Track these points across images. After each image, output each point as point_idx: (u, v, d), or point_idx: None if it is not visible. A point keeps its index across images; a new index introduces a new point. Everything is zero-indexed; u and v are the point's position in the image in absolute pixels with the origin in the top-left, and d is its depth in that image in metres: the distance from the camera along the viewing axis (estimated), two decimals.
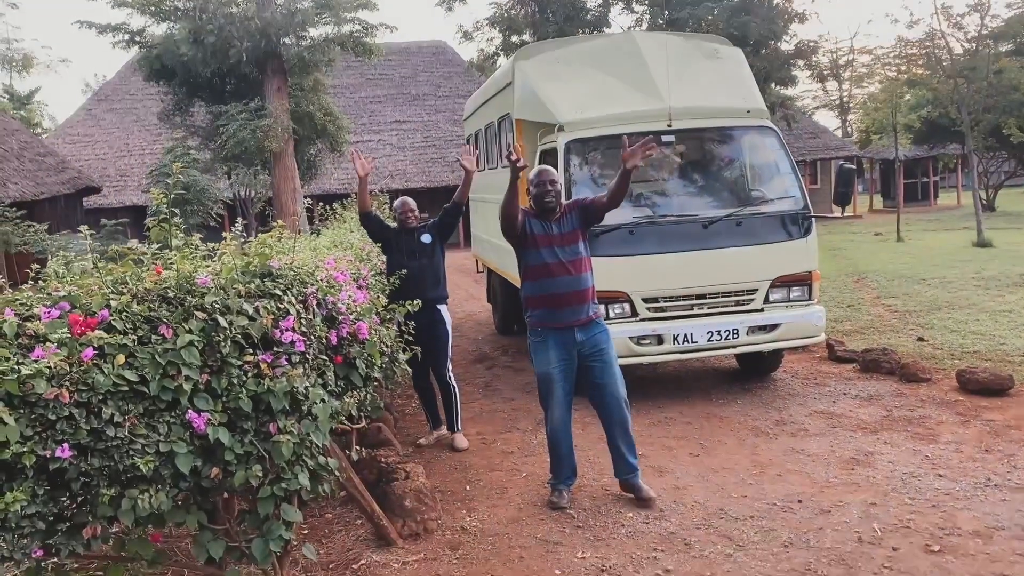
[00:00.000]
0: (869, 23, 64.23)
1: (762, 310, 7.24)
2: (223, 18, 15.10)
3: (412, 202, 6.80)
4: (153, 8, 18.59)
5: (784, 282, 7.25)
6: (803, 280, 7.32)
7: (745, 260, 7.14)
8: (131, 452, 3.12)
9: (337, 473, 4.09)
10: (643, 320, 7.06)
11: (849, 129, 49.08)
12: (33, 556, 3.02)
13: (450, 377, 6.58)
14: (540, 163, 8.17)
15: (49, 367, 2.89)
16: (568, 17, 17.07)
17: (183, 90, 20.32)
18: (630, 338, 6.94)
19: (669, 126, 7.41)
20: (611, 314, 6.98)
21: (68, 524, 3.10)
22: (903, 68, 21.37)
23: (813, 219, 7.42)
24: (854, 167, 7.47)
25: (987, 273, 14.13)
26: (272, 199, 16.93)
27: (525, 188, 5.76)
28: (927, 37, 20.26)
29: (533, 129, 8.44)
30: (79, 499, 3.11)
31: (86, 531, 3.17)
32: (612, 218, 6.92)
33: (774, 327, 7.19)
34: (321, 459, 3.84)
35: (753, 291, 7.21)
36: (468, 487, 5.55)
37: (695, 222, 7.14)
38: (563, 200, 5.43)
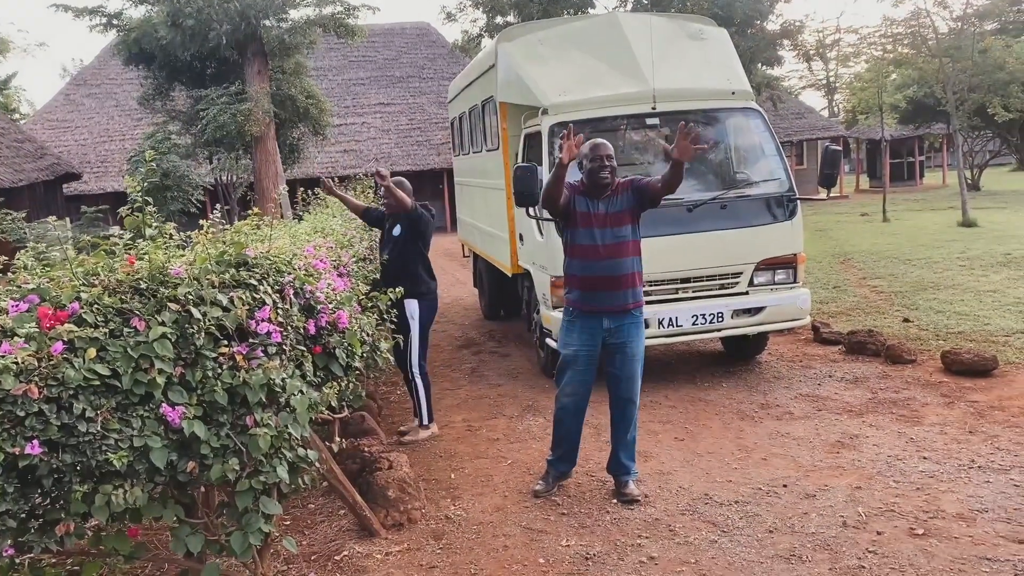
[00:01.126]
0: (855, 1, 64.01)
1: (747, 293, 7.23)
2: (202, 0, 14.90)
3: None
4: None
5: (769, 265, 7.24)
6: (788, 263, 7.31)
7: (729, 243, 7.12)
8: (104, 447, 3.06)
9: (317, 465, 4.05)
10: None
11: (836, 109, 49.10)
12: (4, 554, 2.98)
13: (413, 371, 6.41)
14: (524, 147, 8.13)
15: (16, 362, 2.83)
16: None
17: (163, 74, 20.09)
18: None
19: (653, 108, 7.37)
20: None
21: (40, 521, 3.06)
22: (888, 48, 21.33)
23: (798, 201, 7.39)
24: (840, 149, 7.43)
25: (972, 253, 14.18)
26: (254, 184, 16.80)
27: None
28: (912, 16, 20.22)
29: (518, 112, 8.37)
30: (51, 496, 3.06)
31: (59, 528, 3.12)
32: None
33: (759, 310, 7.18)
34: (300, 451, 3.79)
35: (738, 274, 7.19)
36: (453, 475, 5.53)
37: (679, 205, 7.10)
38: (617, 178, 5.10)
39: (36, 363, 2.90)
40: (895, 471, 5.02)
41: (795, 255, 7.34)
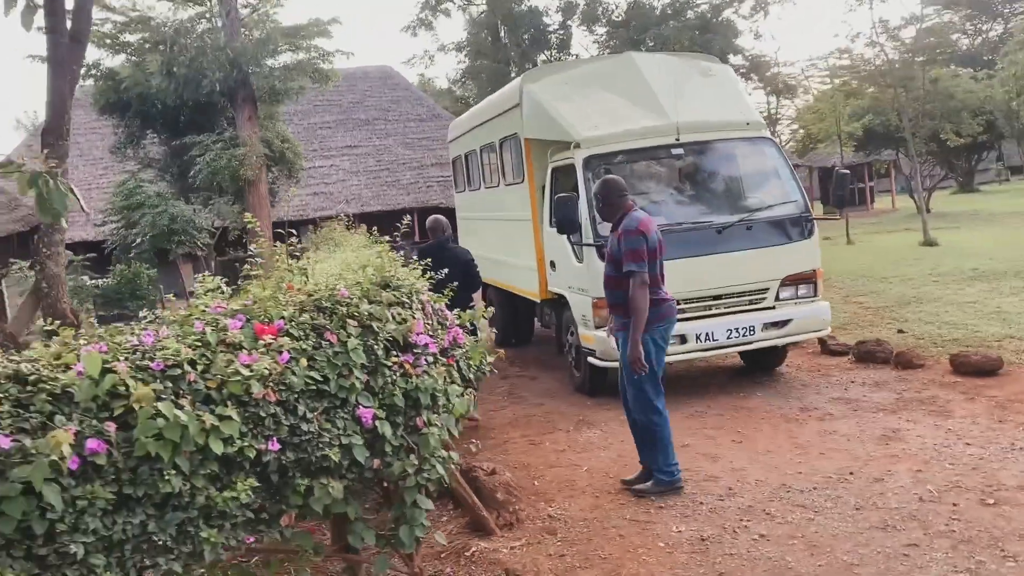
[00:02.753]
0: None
1: (774, 307, 7.82)
2: (195, 49, 15.28)
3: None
4: (109, 42, 18.63)
5: (792, 280, 7.84)
6: (808, 278, 7.93)
7: (756, 261, 7.71)
8: (320, 444, 3.47)
9: (456, 465, 4.48)
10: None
11: (779, 139, 50.83)
12: (247, 542, 3.35)
13: None
14: (552, 180, 8.66)
15: (264, 370, 3.24)
16: (534, 40, 17.74)
17: (136, 122, 20.31)
18: None
19: (677, 140, 7.97)
20: None
21: (266, 514, 3.43)
22: (842, 79, 22.55)
23: (814, 221, 8.04)
24: (849, 172, 8.13)
25: (942, 270, 15.03)
26: (246, 227, 17.08)
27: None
28: (869, 44, 21.41)
29: (542, 147, 8.91)
30: (274, 490, 3.44)
31: (284, 519, 3.52)
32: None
33: (786, 322, 7.77)
34: (451, 453, 4.23)
35: (765, 290, 7.78)
36: (536, 483, 5.95)
37: (709, 228, 7.70)
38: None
39: (271, 371, 3.31)
40: (946, 456, 5.59)
41: (814, 270, 7.96)
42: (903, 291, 13.10)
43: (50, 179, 3.41)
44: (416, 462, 3.88)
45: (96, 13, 18.66)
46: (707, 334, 7.55)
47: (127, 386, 2.89)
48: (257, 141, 16.44)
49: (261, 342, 3.41)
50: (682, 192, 8.19)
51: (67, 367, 2.92)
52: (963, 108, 22.80)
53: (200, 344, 3.23)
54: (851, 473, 5.45)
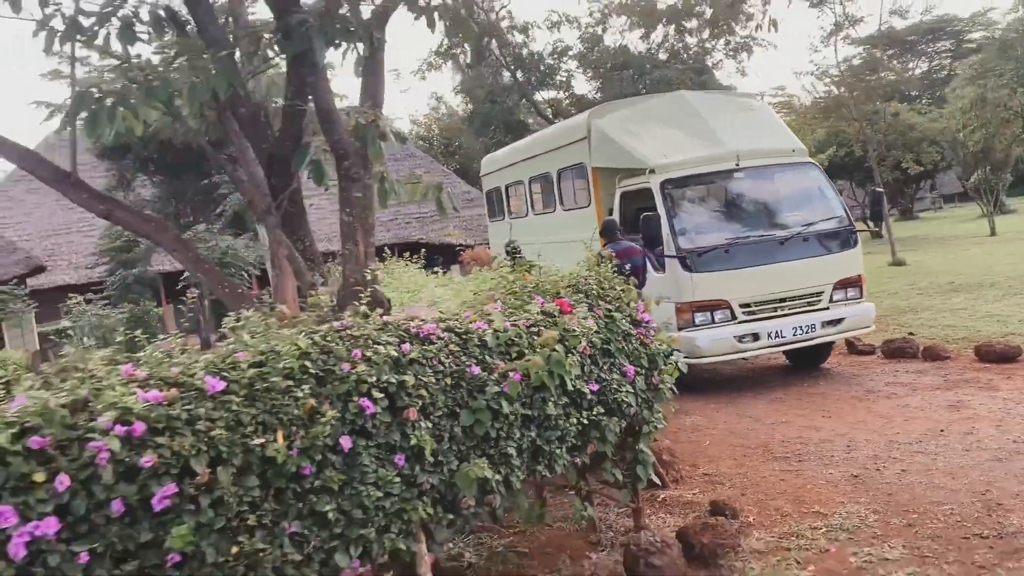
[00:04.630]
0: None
1: (828, 308, 9.06)
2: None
3: None
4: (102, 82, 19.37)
5: (843, 284, 9.11)
6: (855, 282, 9.21)
7: (813, 268, 8.96)
8: (612, 389, 4.52)
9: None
10: (741, 322, 8.73)
11: None
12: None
13: None
14: (619, 203, 9.83)
15: (586, 329, 4.30)
16: (542, 81, 19.16)
17: (135, 165, 20.96)
18: (734, 336, 8.60)
19: (737, 165, 9.22)
20: (716, 318, 8.64)
21: (580, 441, 4.45)
22: (811, 116, 24.49)
23: (857, 233, 9.35)
24: (882, 190, 9.48)
25: (921, 284, 16.57)
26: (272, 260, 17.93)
27: None
28: (840, 80, 23.26)
29: (608, 176, 10.09)
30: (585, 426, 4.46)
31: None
32: (711, 240, 8.68)
33: (840, 321, 9.02)
34: None
35: (821, 293, 9.02)
36: (667, 456, 7.01)
37: (773, 240, 8.94)
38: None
39: (586, 331, 4.36)
40: (1015, 415, 6.84)
41: (859, 275, 9.26)
42: (894, 303, 14.52)
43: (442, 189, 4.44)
44: (653, 412, 4.94)
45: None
46: (777, 331, 8.74)
47: (521, 336, 3.93)
48: None
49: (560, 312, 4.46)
50: (745, 210, 9.42)
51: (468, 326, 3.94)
52: (923, 139, 24.94)
53: (542, 314, 4.26)
54: (941, 431, 6.65)
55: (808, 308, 8.99)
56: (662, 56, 19.90)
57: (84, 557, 2.30)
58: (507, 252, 8.66)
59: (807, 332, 8.89)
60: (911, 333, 11.46)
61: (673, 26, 19.61)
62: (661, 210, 8.90)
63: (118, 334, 15.04)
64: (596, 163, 10.14)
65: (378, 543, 3.16)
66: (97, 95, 3.99)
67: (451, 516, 3.57)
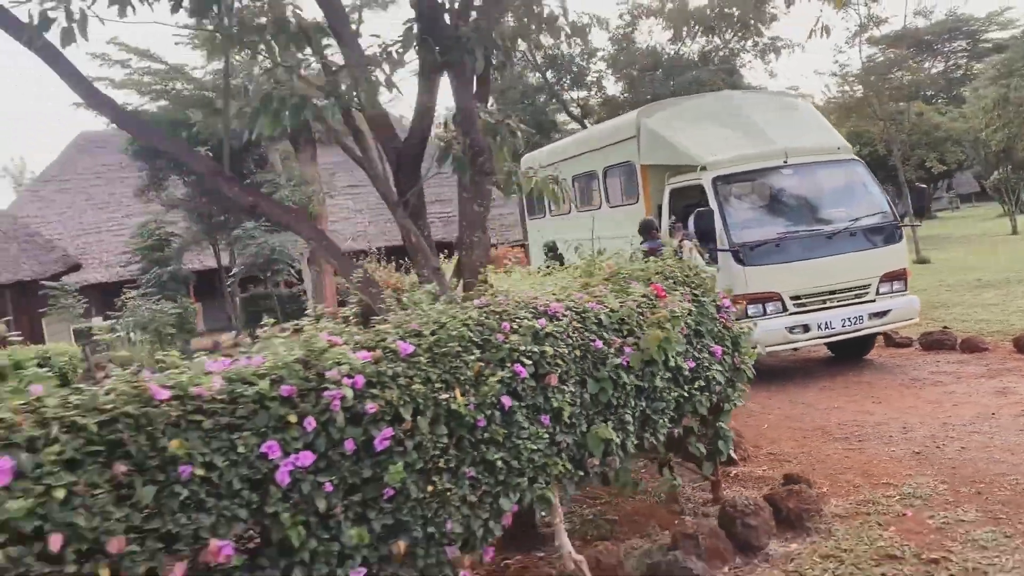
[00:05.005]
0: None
1: (875, 300, 9.46)
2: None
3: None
4: (159, 87, 19.94)
5: (888, 277, 9.51)
6: (900, 275, 9.62)
7: (860, 262, 9.37)
8: (705, 367, 4.95)
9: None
10: (792, 314, 9.14)
11: None
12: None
13: None
14: (669, 199, 10.25)
15: (683, 311, 4.73)
16: (575, 81, 19.64)
17: (168, 165, 21.54)
18: (786, 328, 9.02)
19: (785, 162, 9.63)
20: (768, 310, 9.05)
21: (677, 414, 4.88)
22: (833, 115, 24.88)
23: (902, 228, 9.75)
24: (926, 187, 9.88)
25: (949, 281, 16.93)
26: (310, 259, 18.42)
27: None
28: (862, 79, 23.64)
29: (656, 173, 10.52)
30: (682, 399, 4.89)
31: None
32: (762, 234, 9.09)
33: (886, 313, 9.42)
34: None
35: (867, 286, 9.43)
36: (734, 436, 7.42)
37: (822, 234, 9.35)
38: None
39: (682, 313, 4.79)
40: None
41: (904, 269, 9.66)
42: (926, 298, 14.80)
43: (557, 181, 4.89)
44: (736, 390, 5.36)
45: (136, 62, 20.09)
46: (826, 323, 9.15)
47: (631, 315, 4.36)
48: (318, 179, 17.87)
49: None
50: (793, 205, 9.83)
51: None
52: (947, 138, 25.34)
53: (644, 298, 4.69)
54: (992, 414, 7.05)
55: (855, 300, 9.39)
56: (692, 57, 20.38)
57: (328, 487, 2.75)
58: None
59: (855, 323, 9.29)
60: (946, 327, 11.84)
61: (701, 28, 20.11)
62: (713, 205, 9.31)
63: (171, 328, 15.61)
64: (645, 160, 10.57)
65: (529, 491, 3.60)
66: (282, 96, 4.39)
67: (580, 473, 4.01)
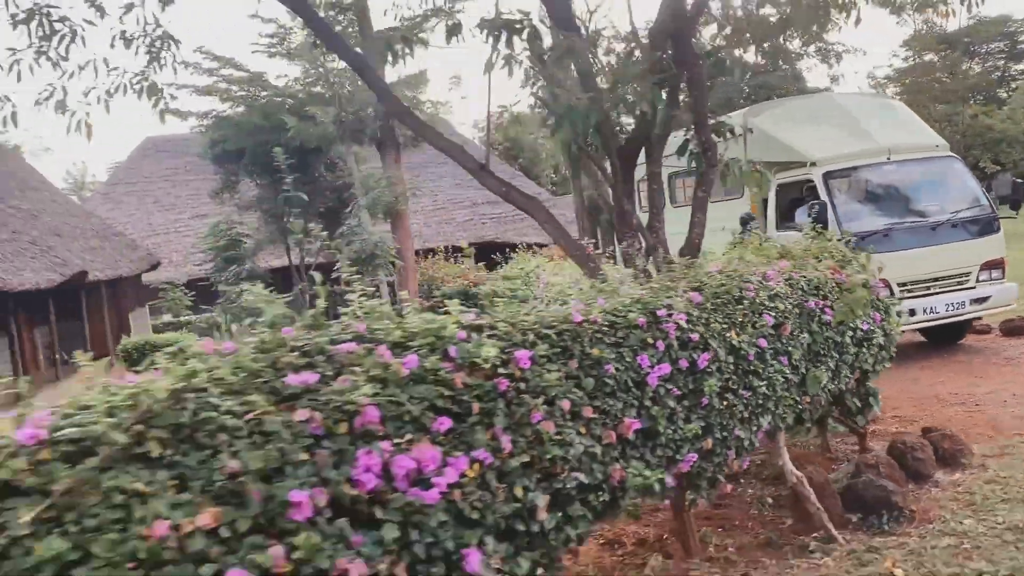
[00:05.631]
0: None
1: (975, 287, 10.46)
2: (359, 102, 18.03)
3: None
4: (242, 95, 21.28)
5: (987, 266, 10.52)
6: (999, 264, 10.62)
7: (962, 251, 10.38)
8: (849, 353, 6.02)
9: None
10: (900, 299, 10.15)
11: None
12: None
13: None
14: (777, 194, 11.32)
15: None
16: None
17: (244, 168, 22.96)
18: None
19: (888, 158, 10.67)
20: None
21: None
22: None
23: (999, 219, 10.75)
24: (1022, 181, 10.89)
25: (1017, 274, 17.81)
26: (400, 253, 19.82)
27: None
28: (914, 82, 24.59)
29: (765, 169, 11.56)
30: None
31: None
32: (871, 224, 10.12)
33: (986, 299, 10.43)
34: None
35: (968, 273, 10.44)
36: None
37: (926, 225, 10.37)
38: None
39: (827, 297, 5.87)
40: None
41: (1002, 258, 10.66)
42: None
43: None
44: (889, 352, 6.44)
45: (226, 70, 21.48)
46: (931, 308, 10.18)
47: (826, 282, 5.46)
48: (402, 179, 19.16)
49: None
50: (897, 198, 10.86)
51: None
52: (1002, 139, 26.23)
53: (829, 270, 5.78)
54: None
55: (957, 287, 10.40)
56: (759, 61, 21.50)
57: (675, 391, 3.88)
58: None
59: (957, 308, 10.30)
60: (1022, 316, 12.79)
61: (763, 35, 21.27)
62: (824, 197, 10.36)
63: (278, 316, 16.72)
64: (752, 157, 11.61)
65: (775, 416, 4.71)
66: (576, 107, 5.39)
67: (799, 409, 5.11)
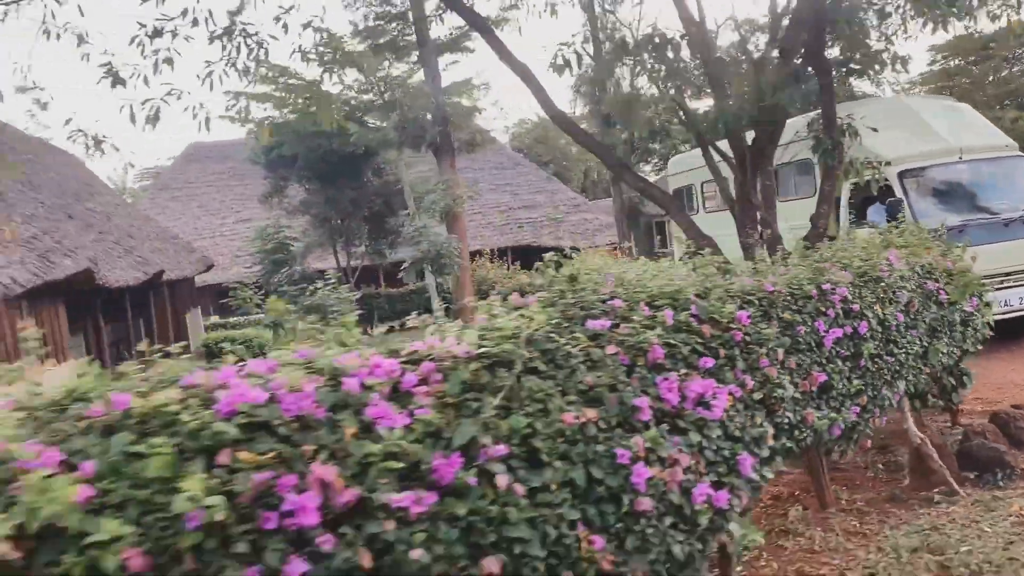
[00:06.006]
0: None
1: None
2: (418, 107, 18.89)
3: None
4: (293, 100, 22.15)
5: None
6: None
7: None
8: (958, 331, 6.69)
9: None
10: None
11: None
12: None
13: None
14: (848, 193, 11.99)
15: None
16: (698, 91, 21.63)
17: (295, 173, 23.82)
18: None
19: (960, 158, 11.32)
20: None
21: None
22: None
23: None
24: None
25: None
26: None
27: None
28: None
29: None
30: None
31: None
32: (949, 221, 10.75)
33: None
34: None
35: None
36: None
37: (999, 221, 11.00)
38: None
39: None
40: None
41: None
42: None
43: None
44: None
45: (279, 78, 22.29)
46: (1005, 300, 10.81)
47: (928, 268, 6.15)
48: (458, 183, 20.02)
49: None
50: (970, 196, 11.51)
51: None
52: None
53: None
54: None
55: None
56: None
57: (844, 353, 4.59)
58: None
59: None
60: None
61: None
62: (899, 194, 11.03)
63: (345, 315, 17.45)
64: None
65: (907, 382, 5.40)
66: (726, 112, 6.11)
67: (922, 376, 5.80)
